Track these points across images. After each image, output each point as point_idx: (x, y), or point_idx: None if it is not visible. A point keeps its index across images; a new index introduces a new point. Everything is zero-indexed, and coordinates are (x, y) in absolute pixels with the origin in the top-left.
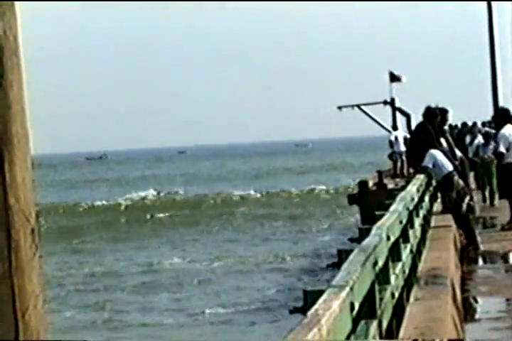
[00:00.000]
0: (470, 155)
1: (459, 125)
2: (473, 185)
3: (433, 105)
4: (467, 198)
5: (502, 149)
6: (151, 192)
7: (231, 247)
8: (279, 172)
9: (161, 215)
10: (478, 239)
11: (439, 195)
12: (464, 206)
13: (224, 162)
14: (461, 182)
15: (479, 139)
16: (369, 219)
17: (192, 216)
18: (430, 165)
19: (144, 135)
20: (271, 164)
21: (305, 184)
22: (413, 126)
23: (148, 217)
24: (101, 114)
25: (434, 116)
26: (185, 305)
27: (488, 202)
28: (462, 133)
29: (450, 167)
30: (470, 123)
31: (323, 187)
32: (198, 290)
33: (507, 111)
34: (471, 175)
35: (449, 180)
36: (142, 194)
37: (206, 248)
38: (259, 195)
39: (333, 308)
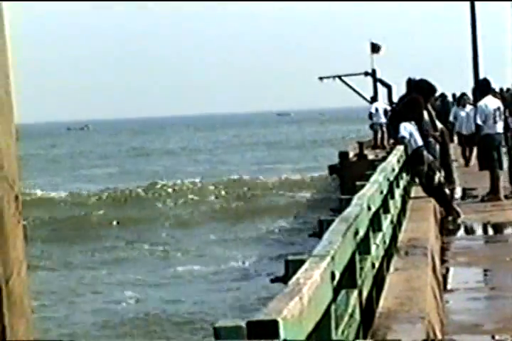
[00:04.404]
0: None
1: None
2: (453, 156)
3: (417, 78)
4: (438, 171)
5: (478, 121)
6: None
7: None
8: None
9: None
10: (458, 209)
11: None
12: (436, 178)
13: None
14: (430, 156)
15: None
16: (349, 189)
17: None
18: (407, 136)
19: (125, 105)
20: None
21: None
22: (394, 98)
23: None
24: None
25: (433, 93)
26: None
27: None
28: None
29: (420, 142)
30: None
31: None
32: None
33: (487, 82)
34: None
35: (419, 154)
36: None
37: None
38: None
39: (314, 277)
